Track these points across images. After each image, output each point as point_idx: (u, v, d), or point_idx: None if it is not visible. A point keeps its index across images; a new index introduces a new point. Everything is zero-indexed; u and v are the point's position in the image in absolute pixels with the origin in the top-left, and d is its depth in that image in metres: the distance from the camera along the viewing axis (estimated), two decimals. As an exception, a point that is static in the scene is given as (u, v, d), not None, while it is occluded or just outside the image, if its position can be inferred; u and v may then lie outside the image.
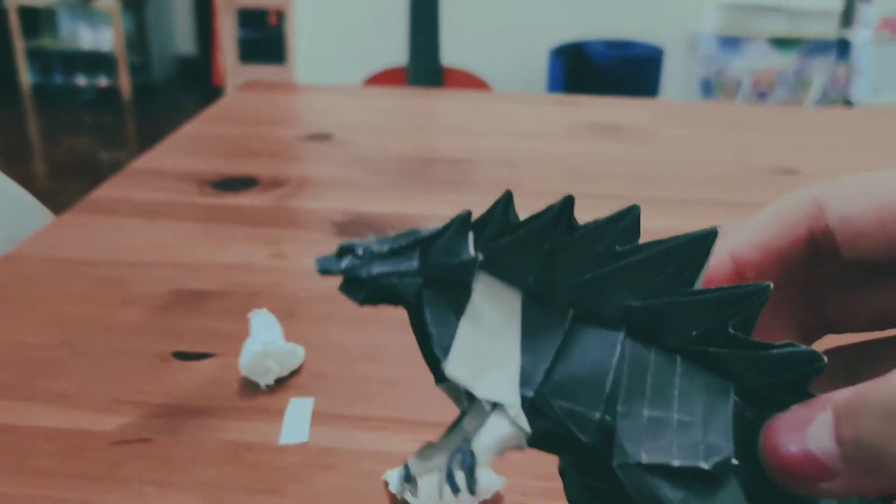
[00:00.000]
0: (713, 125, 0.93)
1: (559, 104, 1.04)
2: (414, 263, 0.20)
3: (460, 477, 0.19)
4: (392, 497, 0.35)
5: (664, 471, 0.19)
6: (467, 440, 0.20)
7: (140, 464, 0.36)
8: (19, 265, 0.54)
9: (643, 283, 0.20)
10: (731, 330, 0.19)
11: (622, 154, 0.80)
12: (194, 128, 0.85)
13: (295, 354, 0.43)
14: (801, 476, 0.19)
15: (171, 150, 0.78)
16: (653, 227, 0.62)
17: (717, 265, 0.23)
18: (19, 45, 4.00)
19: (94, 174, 0.65)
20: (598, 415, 0.20)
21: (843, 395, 0.18)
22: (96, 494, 0.35)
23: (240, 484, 0.35)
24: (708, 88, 2.60)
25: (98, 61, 4.09)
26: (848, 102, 2.58)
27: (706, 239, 0.20)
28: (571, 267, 0.20)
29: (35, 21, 4.10)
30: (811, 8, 2.50)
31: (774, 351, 0.19)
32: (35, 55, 4.09)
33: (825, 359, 0.19)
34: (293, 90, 1.04)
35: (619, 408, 0.20)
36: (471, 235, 0.20)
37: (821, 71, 2.58)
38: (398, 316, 0.51)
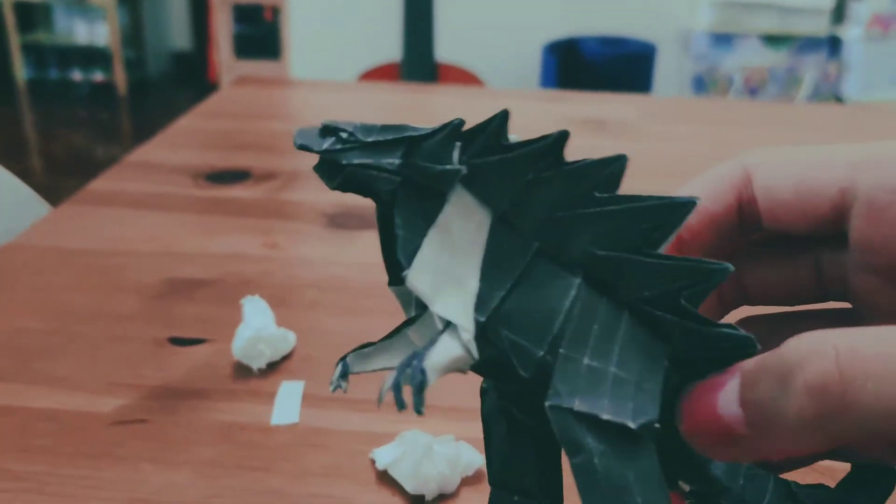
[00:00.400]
0: (699, 121, 0.95)
1: (549, 100, 1.05)
2: (396, 160, 0.20)
3: (407, 392, 0.19)
4: (378, 474, 0.36)
5: (592, 421, 0.19)
6: (418, 355, 0.19)
7: (137, 443, 0.38)
8: (19, 255, 0.56)
9: (611, 234, 0.20)
10: (682, 300, 0.20)
11: (608, 149, 0.81)
12: (188, 122, 0.86)
13: (286, 340, 0.45)
14: (711, 439, 0.19)
15: (166, 143, 0.79)
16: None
17: None
18: (14, 39, 4.00)
19: (90, 169, 0.66)
20: (541, 352, 0.20)
21: (750, 363, 0.19)
22: (95, 471, 0.36)
23: (233, 462, 0.37)
24: (700, 85, 2.62)
25: (93, 56, 4.10)
26: (839, 99, 2.60)
27: (684, 207, 0.20)
28: (548, 201, 0.20)
29: (30, 15, 4.10)
30: (802, 5, 2.52)
31: (715, 329, 0.20)
32: (30, 50, 4.09)
33: (758, 346, 0.19)
34: (286, 85, 1.05)
35: (561, 350, 0.20)
36: (458, 145, 0.20)
37: (812, 68, 2.60)
38: (387, 303, 0.52)
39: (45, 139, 3.45)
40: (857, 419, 0.17)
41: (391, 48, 2.50)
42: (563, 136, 0.20)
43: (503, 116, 0.20)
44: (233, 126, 0.86)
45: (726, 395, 0.19)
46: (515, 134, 0.20)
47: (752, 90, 2.63)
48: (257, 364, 0.43)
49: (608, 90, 1.18)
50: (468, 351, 0.20)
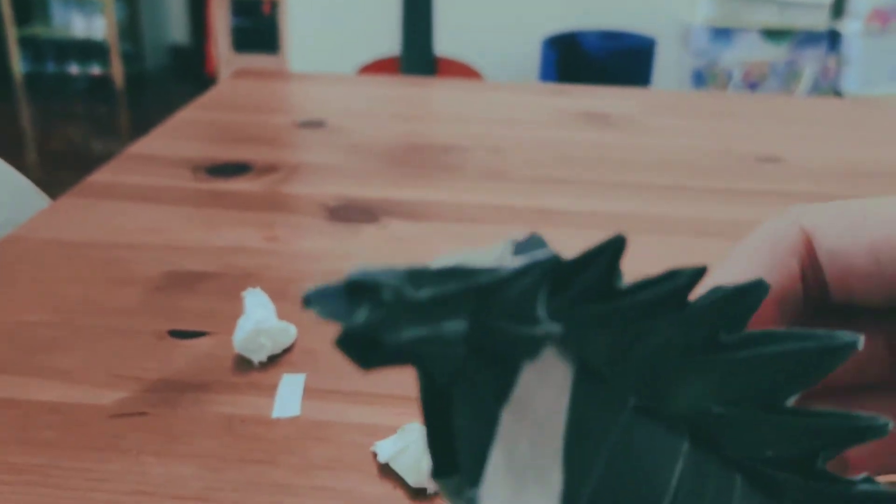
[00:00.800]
0: (700, 115, 0.95)
1: (549, 93, 1.05)
2: (462, 325, 0.13)
3: None
4: (380, 467, 0.36)
5: None
6: None
7: (138, 435, 0.38)
8: (19, 247, 0.55)
9: (734, 386, 0.16)
10: (819, 461, 0.16)
11: (609, 142, 0.81)
12: (188, 114, 0.86)
13: (287, 333, 0.45)
14: None
15: (166, 136, 0.79)
16: (642, 213, 0.64)
17: None
18: (11, 33, 3.99)
19: (87, 163, 0.65)
20: None
21: None
22: (97, 463, 0.36)
23: (234, 454, 0.37)
24: (700, 79, 2.62)
25: (90, 50, 4.09)
26: (838, 93, 2.60)
27: (843, 350, 0.16)
28: (655, 347, 0.16)
29: (27, 9, 4.09)
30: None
31: (852, 489, 0.16)
32: (27, 43, 4.08)
33: None
34: (286, 78, 1.05)
35: None
36: (545, 289, 0.14)
37: (811, 62, 2.60)
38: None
39: (42, 133, 3.45)
40: None
41: (390, 42, 2.50)
42: (696, 275, 0.15)
43: (616, 248, 0.14)
44: (233, 119, 0.85)
45: None
46: (508, 241, 0.14)
47: (752, 84, 2.63)
48: (258, 357, 0.43)
49: (608, 85, 1.17)
50: None
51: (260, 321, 0.43)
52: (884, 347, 0.20)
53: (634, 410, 0.16)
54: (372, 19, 2.63)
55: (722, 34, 2.57)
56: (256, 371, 0.43)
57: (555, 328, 0.14)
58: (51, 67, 4.15)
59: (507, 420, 0.14)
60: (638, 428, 0.16)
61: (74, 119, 3.62)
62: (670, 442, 0.16)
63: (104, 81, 4.03)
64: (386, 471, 0.36)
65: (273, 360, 0.44)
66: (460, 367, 0.14)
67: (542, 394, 0.15)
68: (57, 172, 2.82)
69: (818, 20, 2.57)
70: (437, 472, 0.15)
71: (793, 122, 0.93)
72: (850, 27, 2.55)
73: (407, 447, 0.35)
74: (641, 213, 0.64)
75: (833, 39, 2.60)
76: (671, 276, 0.15)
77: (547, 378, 0.15)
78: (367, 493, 0.35)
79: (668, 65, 2.66)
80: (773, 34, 2.59)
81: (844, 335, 0.16)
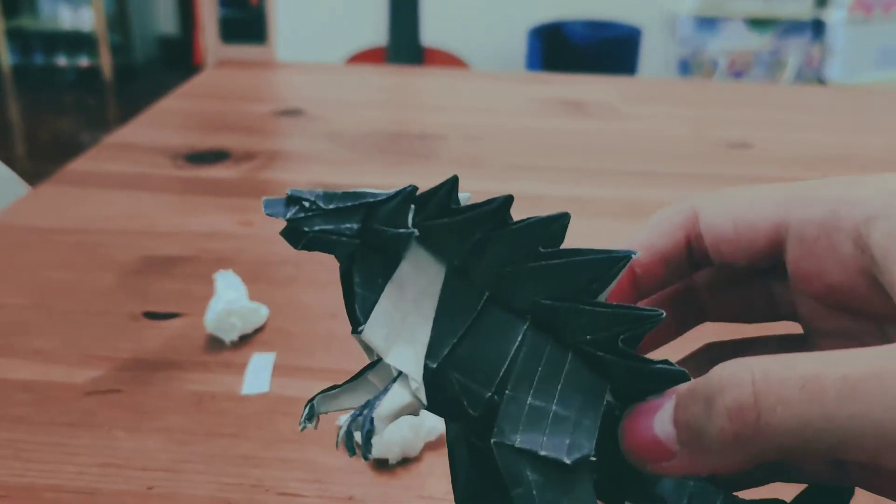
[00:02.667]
0: (678, 102, 0.96)
1: (531, 82, 1.06)
2: (355, 226, 0.21)
3: (356, 438, 0.21)
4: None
5: (531, 456, 0.21)
6: (370, 405, 0.21)
7: (110, 412, 0.39)
8: (-3, 233, 0.56)
9: (555, 285, 0.22)
10: (619, 343, 0.22)
11: (585, 129, 0.82)
12: (170, 103, 0.87)
13: (258, 313, 0.46)
14: (648, 455, 0.21)
15: (147, 124, 0.80)
16: (610, 197, 0.65)
17: None
18: (-1, 25, 3.97)
19: (75, 155, 0.66)
20: (489, 393, 0.22)
21: (683, 387, 0.21)
22: (70, 438, 0.37)
23: (204, 429, 0.38)
24: (685, 68, 2.63)
25: (79, 41, 4.07)
26: (822, 82, 2.62)
27: (620, 261, 0.22)
28: (497, 256, 0.22)
29: (14, 1, 4.07)
30: (786, -11, 2.53)
31: (652, 366, 0.22)
32: (14, 35, 4.07)
33: (691, 378, 0.22)
34: (269, 67, 1.06)
35: (507, 391, 0.22)
36: (412, 209, 0.21)
37: (796, 51, 2.62)
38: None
39: (30, 125, 3.44)
40: (771, 439, 0.19)
41: (377, 32, 2.50)
42: (507, 201, 0.21)
43: (452, 182, 0.21)
44: (214, 107, 0.86)
45: (662, 416, 0.21)
46: (467, 193, 0.22)
47: (737, 73, 2.64)
48: (229, 336, 0.44)
49: (593, 74, 1.19)
50: (417, 398, 0.22)
51: (231, 302, 0.44)
52: (762, 295, 0.26)
53: (488, 301, 0.22)
54: (359, 9, 2.63)
55: (707, 23, 2.58)
56: (228, 350, 0.44)
57: (415, 231, 0.21)
58: (39, 59, 4.13)
59: (389, 291, 0.22)
60: (490, 313, 0.22)
61: (63, 111, 3.61)
62: (513, 324, 0.22)
63: (93, 73, 4.02)
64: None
65: (245, 340, 0.45)
66: (355, 253, 0.22)
67: (418, 281, 0.22)
68: (45, 164, 2.81)
69: (802, 9, 2.58)
70: (353, 330, 0.22)
71: (769, 109, 0.94)
72: (834, 16, 2.57)
73: (368, 419, 0.36)
74: (611, 197, 0.66)
75: (817, 28, 2.61)
76: (489, 201, 0.21)
77: (423, 270, 0.22)
78: (330, 464, 0.36)
79: (654, 54, 2.67)
80: (757, 23, 2.60)
81: (621, 251, 0.22)
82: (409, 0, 2.34)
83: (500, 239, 0.22)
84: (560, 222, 0.22)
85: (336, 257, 0.22)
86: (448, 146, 0.76)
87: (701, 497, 0.25)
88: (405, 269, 0.22)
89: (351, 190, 0.22)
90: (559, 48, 2.47)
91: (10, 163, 0.74)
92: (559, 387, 0.22)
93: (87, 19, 4.01)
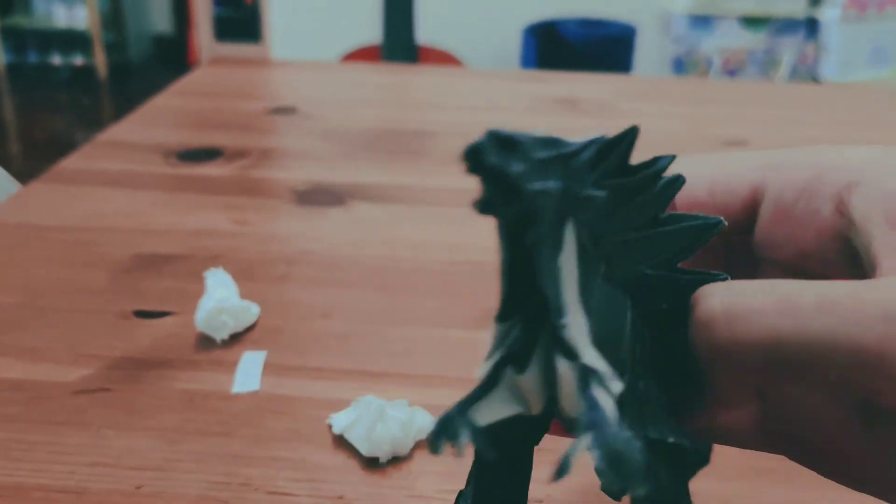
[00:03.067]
0: (673, 100, 0.96)
1: (526, 80, 1.06)
2: (558, 183, 0.16)
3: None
4: (335, 438, 0.37)
5: (661, 447, 0.19)
6: (599, 421, 0.16)
7: (101, 410, 0.39)
8: (-12, 231, 0.56)
9: (652, 254, 0.21)
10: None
11: (581, 127, 0.82)
12: (162, 101, 0.86)
13: (249, 311, 0.46)
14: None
15: (140, 122, 0.79)
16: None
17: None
18: (-7, 23, 3.96)
19: (70, 153, 0.66)
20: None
21: None
22: (59, 437, 0.37)
23: (194, 427, 0.38)
24: (680, 67, 2.63)
25: (73, 40, 4.06)
26: (816, 80, 2.62)
27: (713, 227, 0.21)
28: (618, 223, 0.20)
29: (8, -1, 4.06)
30: (780, -13, 2.53)
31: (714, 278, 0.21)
32: (9, 34, 4.06)
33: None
34: (263, 65, 1.05)
35: (626, 375, 0.18)
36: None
37: (790, 49, 2.62)
38: (353, 276, 0.53)
39: (24, 124, 3.43)
40: (744, 353, 0.19)
41: (372, 31, 2.50)
42: (667, 163, 0.20)
43: (633, 135, 0.19)
44: (207, 105, 0.86)
45: None
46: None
47: (731, 72, 2.64)
48: (220, 335, 0.44)
49: (588, 72, 1.18)
50: (616, 406, 0.17)
51: (221, 300, 0.44)
52: (720, 264, 0.25)
53: (604, 276, 0.19)
54: (354, 8, 2.63)
55: (702, 22, 2.59)
56: (219, 349, 0.44)
57: (599, 193, 0.17)
58: (33, 58, 4.12)
59: (564, 268, 0.17)
60: (605, 286, 0.19)
61: (57, 109, 3.60)
62: (621, 299, 0.20)
63: (87, 72, 4.01)
64: (340, 442, 0.37)
65: (236, 338, 0.45)
66: (550, 218, 0.17)
67: (569, 251, 0.17)
68: (40, 163, 2.81)
69: (796, 8, 2.59)
70: (502, 316, 0.19)
71: (765, 107, 0.94)
72: (827, 14, 2.57)
73: (359, 418, 0.36)
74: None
75: (811, 27, 2.62)
76: (652, 160, 0.20)
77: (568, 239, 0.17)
78: (321, 463, 0.36)
79: (649, 52, 2.67)
80: (752, 22, 2.61)
81: (714, 217, 0.21)
82: (403, -2, 2.34)
83: (638, 204, 0.20)
84: (674, 186, 0.21)
85: (504, 219, 0.17)
86: (440, 144, 0.76)
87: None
88: (567, 240, 0.17)
89: (545, 135, 0.17)
90: (554, 46, 2.47)
91: (5, 161, 0.73)
92: (652, 367, 0.21)
93: (81, 18, 4.00)
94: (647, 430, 0.19)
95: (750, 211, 0.23)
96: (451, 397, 0.42)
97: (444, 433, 0.18)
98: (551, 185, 0.16)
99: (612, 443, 0.16)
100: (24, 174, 0.75)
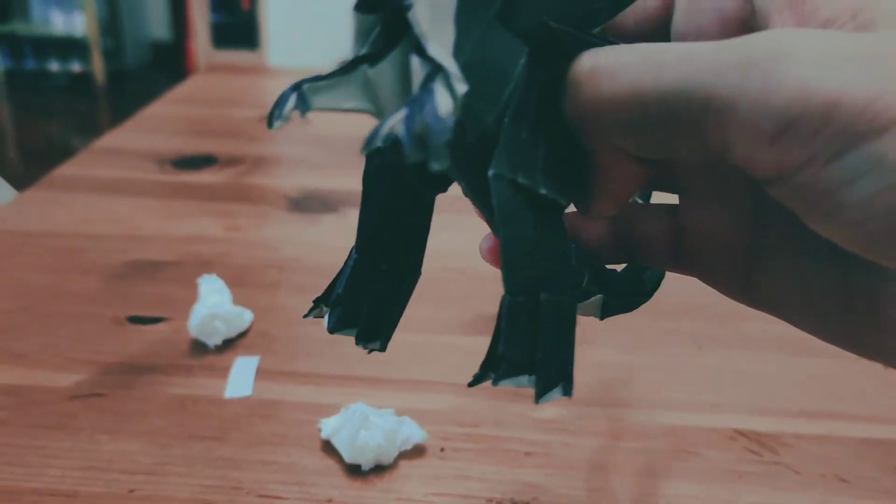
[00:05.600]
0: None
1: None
2: None
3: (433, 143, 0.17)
4: (323, 442, 0.38)
5: (529, 193, 0.20)
6: (418, 104, 0.17)
7: (93, 415, 0.39)
8: (-17, 238, 0.57)
9: (563, 8, 0.20)
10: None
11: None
12: (158, 108, 0.87)
13: (242, 317, 0.46)
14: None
15: (134, 129, 0.80)
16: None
17: None
18: (-10, 29, 3.97)
19: (67, 160, 0.66)
20: (490, 119, 0.20)
21: None
22: (52, 441, 0.37)
23: (185, 431, 0.38)
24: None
25: (71, 46, 4.07)
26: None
27: None
28: None
29: (6, 5, 4.07)
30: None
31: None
32: (6, 40, 4.07)
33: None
34: (256, 73, 1.06)
35: (506, 119, 0.20)
36: None
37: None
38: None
39: (22, 130, 3.43)
40: (610, 102, 0.19)
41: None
42: None
43: None
44: (202, 113, 0.87)
45: None
46: None
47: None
48: (213, 341, 0.45)
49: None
50: (457, 105, 0.18)
51: (214, 306, 0.45)
52: None
53: (496, 16, 0.20)
54: (351, 15, 2.63)
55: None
56: (212, 354, 0.44)
57: None
58: (30, 64, 4.13)
59: None
60: (496, 28, 0.20)
61: (54, 116, 3.61)
62: (515, 46, 0.20)
63: (84, 78, 4.02)
64: (328, 447, 0.37)
65: (228, 344, 0.45)
66: None
67: None
68: (37, 169, 2.81)
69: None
70: (360, 6, 0.19)
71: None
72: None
73: (344, 424, 0.36)
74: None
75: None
76: None
77: None
78: (308, 467, 0.36)
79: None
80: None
81: None
82: None
83: None
84: None
85: None
86: (435, 151, 0.77)
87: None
88: None
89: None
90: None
91: (2, 167, 0.74)
92: (549, 124, 0.21)
93: (79, 24, 4.01)
94: (517, 174, 0.20)
95: (668, 4, 0.23)
96: (441, 402, 0.42)
97: (276, 106, 0.18)
98: None
99: (424, 116, 0.17)
100: (20, 180, 0.75)
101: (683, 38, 0.22)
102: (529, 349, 0.20)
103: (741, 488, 0.36)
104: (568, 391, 0.20)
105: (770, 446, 0.39)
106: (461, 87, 0.17)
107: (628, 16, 0.23)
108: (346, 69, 0.20)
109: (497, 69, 0.20)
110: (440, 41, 0.18)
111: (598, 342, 0.47)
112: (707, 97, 0.17)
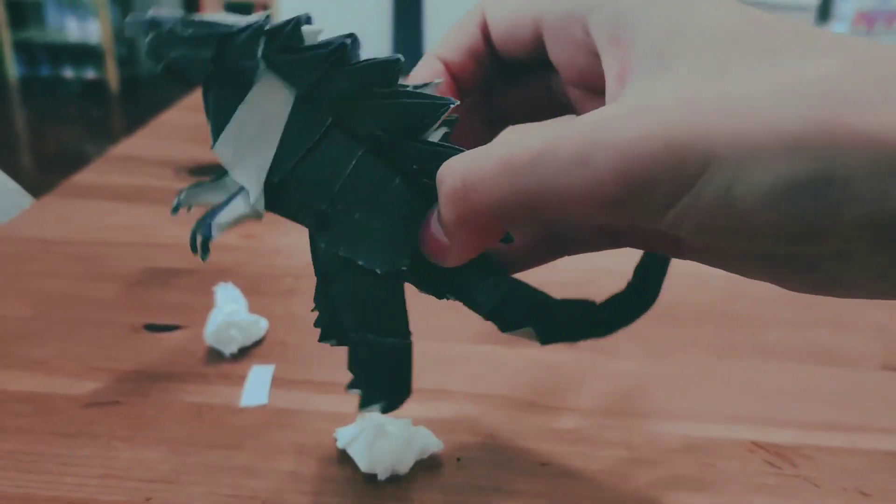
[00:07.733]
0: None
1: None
2: (208, 54, 0.25)
3: (199, 241, 0.26)
4: (340, 452, 0.38)
5: (351, 263, 0.26)
6: (212, 213, 0.26)
7: (110, 422, 0.39)
8: (0, 245, 0.57)
9: (390, 120, 0.25)
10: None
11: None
12: (173, 116, 0.87)
13: (258, 325, 0.46)
14: (436, 252, 0.26)
15: (150, 137, 0.80)
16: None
17: (428, 67, 0.28)
18: (6, 36, 4.00)
19: (81, 166, 0.67)
20: (324, 206, 0.26)
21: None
22: (69, 449, 0.37)
23: (201, 439, 0.38)
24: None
25: (85, 53, 4.10)
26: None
27: (442, 106, 0.25)
28: (338, 90, 0.25)
29: (22, 13, 4.10)
30: (788, 2, 2.54)
31: (439, 148, 0.26)
32: (21, 47, 4.10)
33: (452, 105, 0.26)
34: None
35: (339, 205, 0.26)
36: (263, 41, 0.25)
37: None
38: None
39: (36, 137, 3.46)
40: (485, 212, 0.22)
41: (381, 46, 2.51)
42: (343, 46, 0.25)
43: (297, 21, 0.25)
44: (216, 121, 0.87)
45: (434, 217, 0.25)
46: (321, 28, 0.26)
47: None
48: (229, 349, 0.45)
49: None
50: (255, 210, 0.26)
51: (230, 314, 0.45)
52: (542, 91, 0.29)
53: (332, 125, 0.26)
54: (362, 23, 2.64)
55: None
56: (227, 362, 0.44)
57: (261, 63, 0.25)
58: (45, 71, 4.16)
59: (240, 112, 0.25)
60: (332, 136, 0.26)
61: (69, 122, 3.63)
62: (351, 148, 0.26)
63: (99, 85, 4.05)
64: (345, 456, 0.37)
65: (244, 352, 0.45)
66: (210, 79, 0.25)
67: (268, 105, 0.25)
68: (51, 176, 2.83)
69: (805, 22, 2.59)
70: (213, 146, 0.26)
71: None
72: (836, 29, 2.58)
73: (360, 433, 0.36)
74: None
75: (820, 42, 2.61)
76: (327, 42, 0.25)
77: (272, 96, 0.25)
78: (325, 476, 0.36)
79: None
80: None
81: (445, 98, 0.26)
82: (412, 12, 2.35)
83: (342, 74, 0.25)
84: (395, 66, 0.25)
85: (194, 82, 0.25)
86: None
87: (515, 295, 0.29)
88: (256, 95, 0.25)
89: (207, 19, 0.25)
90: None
91: (16, 174, 0.74)
92: (384, 206, 0.26)
93: (93, 32, 4.04)
94: (339, 248, 0.26)
95: (538, 40, 0.26)
96: (457, 412, 0.42)
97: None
98: (200, 54, 0.25)
99: (206, 219, 0.26)
100: (34, 186, 0.76)
101: (561, 66, 0.26)
102: (364, 372, 0.29)
103: (759, 501, 0.36)
104: (386, 409, 0.30)
105: (789, 459, 0.39)
106: (253, 198, 0.26)
107: (517, 49, 0.27)
108: (217, 177, 0.27)
109: (328, 169, 0.26)
110: (248, 168, 0.26)
111: (614, 352, 0.46)
112: (558, 192, 0.20)
